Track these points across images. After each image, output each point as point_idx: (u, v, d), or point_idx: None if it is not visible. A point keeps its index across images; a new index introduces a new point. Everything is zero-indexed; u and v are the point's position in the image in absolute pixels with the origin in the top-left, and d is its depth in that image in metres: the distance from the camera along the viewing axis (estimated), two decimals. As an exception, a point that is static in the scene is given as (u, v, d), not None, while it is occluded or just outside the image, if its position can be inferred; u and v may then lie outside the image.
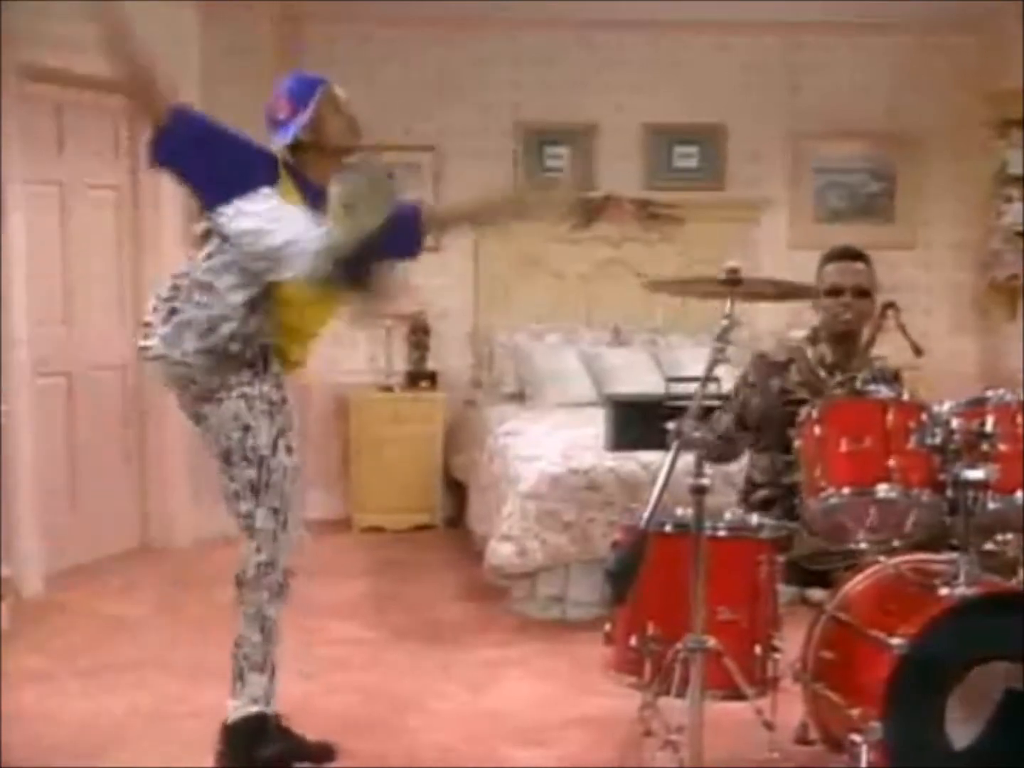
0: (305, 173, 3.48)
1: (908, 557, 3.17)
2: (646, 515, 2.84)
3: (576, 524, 4.90)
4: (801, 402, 3.47)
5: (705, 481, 2.94)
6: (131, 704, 4.00)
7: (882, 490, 3.05)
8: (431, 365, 6.98)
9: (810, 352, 3.79)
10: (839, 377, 3.70)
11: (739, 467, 3.98)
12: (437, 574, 5.79)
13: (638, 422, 4.97)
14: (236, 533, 3.59)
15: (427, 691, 4.18)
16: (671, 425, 2.94)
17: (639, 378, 6.25)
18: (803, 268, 3.89)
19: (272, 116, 3.48)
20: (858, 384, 3.57)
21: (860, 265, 3.77)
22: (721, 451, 3.75)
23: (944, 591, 2.93)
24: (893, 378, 3.73)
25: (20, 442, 5.26)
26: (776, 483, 3.70)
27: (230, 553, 3.68)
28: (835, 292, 3.71)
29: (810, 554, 3.45)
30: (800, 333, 3.92)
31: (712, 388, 3.02)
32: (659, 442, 3.11)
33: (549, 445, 5.31)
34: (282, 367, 3.44)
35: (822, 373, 3.75)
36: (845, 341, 3.76)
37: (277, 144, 3.49)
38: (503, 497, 5.08)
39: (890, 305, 3.87)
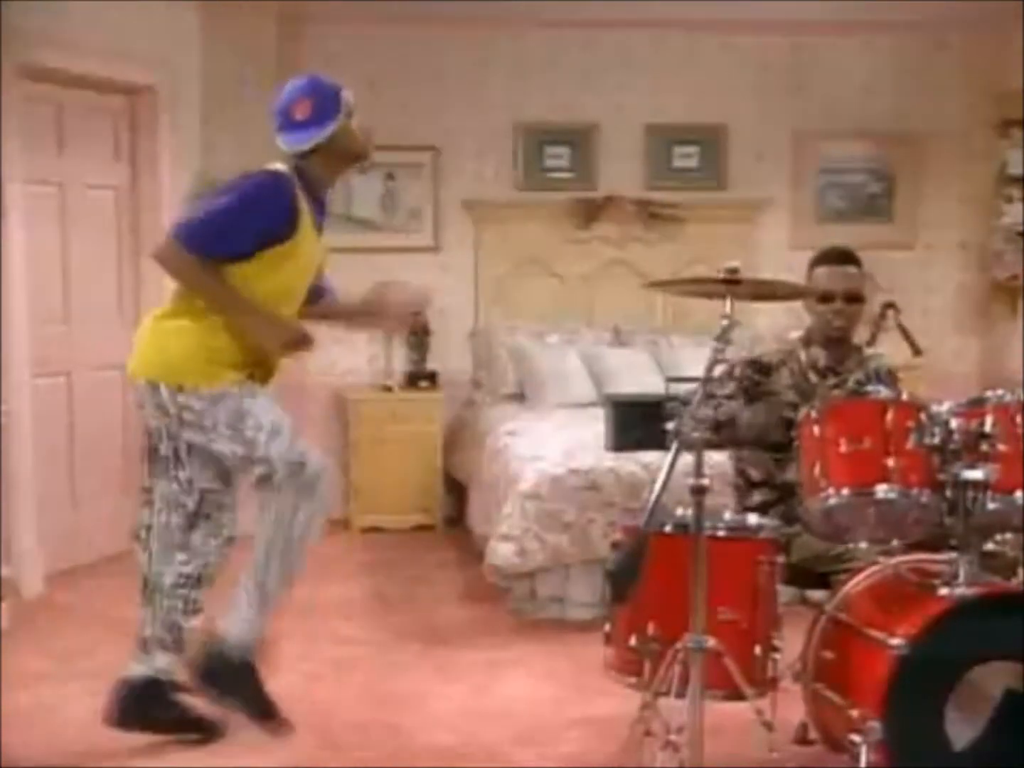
0: (310, 177, 3.49)
1: (907, 557, 3.18)
2: (646, 515, 2.84)
3: (576, 524, 4.90)
4: (790, 405, 3.46)
5: (705, 481, 2.95)
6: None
7: (881, 490, 3.04)
8: (431, 365, 6.98)
9: (803, 355, 3.77)
10: (831, 380, 3.70)
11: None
12: (437, 574, 5.79)
13: (638, 422, 4.98)
14: (235, 533, 3.60)
15: (427, 691, 4.18)
16: (671, 425, 2.94)
17: (640, 378, 6.25)
18: (803, 268, 3.88)
19: (288, 114, 3.47)
20: (850, 385, 3.57)
21: (851, 269, 3.73)
22: (726, 433, 3.68)
23: (944, 591, 2.94)
24: (888, 377, 3.70)
25: (20, 442, 5.26)
26: (772, 483, 3.70)
27: (229, 552, 3.69)
28: (826, 298, 3.69)
29: (810, 557, 3.46)
30: (797, 334, 3.91)
31: (712, 388, 3.02)
32: (659, 442, 3.11)
33: (549, 445, 5.31)
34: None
35: (813, 377, 3.73)
36: (838, 345, 3.75)
37: (288, 144, 3.50)
38: (503, 497, 5.07)
39: (890, 305, 3.87)
